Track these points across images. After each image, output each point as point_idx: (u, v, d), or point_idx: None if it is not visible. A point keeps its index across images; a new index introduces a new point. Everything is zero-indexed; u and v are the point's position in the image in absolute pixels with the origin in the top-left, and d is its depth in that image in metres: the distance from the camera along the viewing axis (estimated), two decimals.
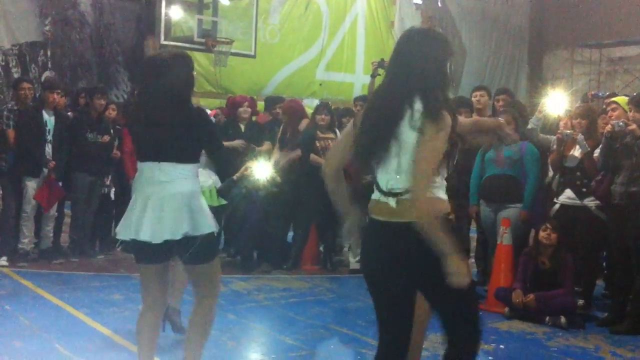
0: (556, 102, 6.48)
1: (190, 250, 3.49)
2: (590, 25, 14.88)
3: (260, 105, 8.78)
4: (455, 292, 2.65)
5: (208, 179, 7.86)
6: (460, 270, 2.63)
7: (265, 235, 7.55)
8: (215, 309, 3.78)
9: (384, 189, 2.77)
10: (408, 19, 14.76)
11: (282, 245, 7.74)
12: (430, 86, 2.70)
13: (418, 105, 2.66)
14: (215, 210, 7.30)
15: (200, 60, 11.41)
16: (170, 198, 3.48)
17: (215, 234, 3.63)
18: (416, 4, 15.01)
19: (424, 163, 2.64)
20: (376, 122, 2.75)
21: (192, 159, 3.61)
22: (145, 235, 3.49)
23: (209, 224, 3.54)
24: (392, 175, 2.74)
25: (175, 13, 10.92)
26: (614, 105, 6.06)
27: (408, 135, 2.67)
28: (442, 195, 2.81)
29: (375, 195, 2.83)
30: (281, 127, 7.75)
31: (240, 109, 7.82)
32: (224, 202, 7.63)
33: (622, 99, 6.19)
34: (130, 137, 7.78)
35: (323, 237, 8.00)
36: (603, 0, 14.81)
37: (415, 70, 2.71)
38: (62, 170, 7.46)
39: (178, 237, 3.46)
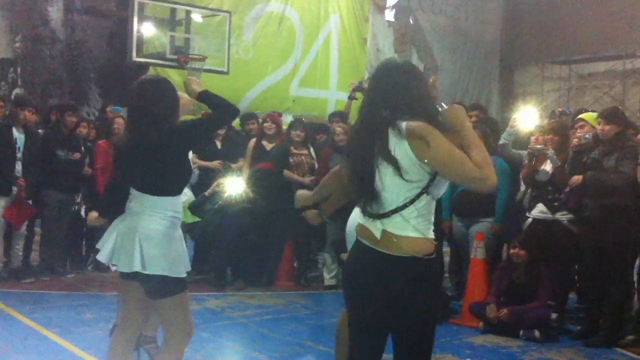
0: (527, 118, 6.55)
1: (146, 285, 3.41)
2: (560, 41, 15.11)
3: (236, 122, 8.76)
4: (415, 340, 2.74)
5: (183, 195, 7.78)
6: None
7: (239, 251, 7.50)
8: (182, 351, 3.52)
9: (370, 211, 2.75)
10: (381, 35, 14.88)
11: (256, 261, 7.69)
12: (416, 112, 2.70)
13: (403, 125, 2.66)
14: (188, 227, 7.30)
15: (173, 77, 11.29)
16: (132, 231, 3.37)
17: (170, 276, 3.35)
18: (389, 21, 15.14)
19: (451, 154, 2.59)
20: (361, 149, 2.76)
21: (169, 191, 3.44)
22: (102, 257, 3.48)
23: (159, 266, 3.32)
24: (379, 195, 2.71)
25: (148, 30, 10.87)
26: (581, 123, 6.16)
27: (399, 151, 2.65)
28: (430, 234, 2.74)
29: (361, 219, 2.83)
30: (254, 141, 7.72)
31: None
32: (197, 218, 7.62)
33: (589, 116, 6.29)
34: (102, 155, 7.80)
35: (298, 253, 7.98)
36: (573, 17, 15.06)
37: (396, 101, 2.73)
38: (33, 188, 7.36)
39: (127, 270, 3.36)
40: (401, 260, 2.67)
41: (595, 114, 6.14)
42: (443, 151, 2.60)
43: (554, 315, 6.02)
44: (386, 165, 2.68)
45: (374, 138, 2.71)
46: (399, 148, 2.65)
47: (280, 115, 8.95)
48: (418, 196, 2.67)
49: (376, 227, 2.73)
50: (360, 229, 2.83)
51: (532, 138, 6.46)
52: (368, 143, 2.73)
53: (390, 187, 2.69)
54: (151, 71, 11.33)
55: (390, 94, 2.75)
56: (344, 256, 4.38)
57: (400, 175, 2.65)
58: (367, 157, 2.72)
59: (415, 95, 2.75)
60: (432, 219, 2.76)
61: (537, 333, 5.68)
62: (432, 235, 2.75)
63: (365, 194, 2.75)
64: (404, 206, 2.67)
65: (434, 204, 2.76)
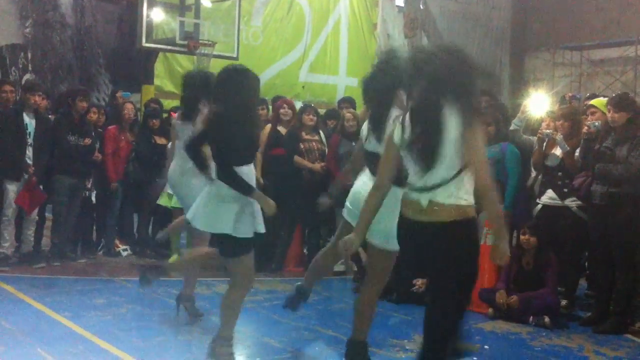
0: (538, 104, 6.51)
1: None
2: (571, 27, 14.99)
3: None
4: (445, 291, 3.26)
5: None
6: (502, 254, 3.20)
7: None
8: (237, 299, 4.49)
9: (418, 185, 3.19)
10: (390, 20, 14.80)
11: (266, 247, 7.70)
12: (460, 93, 3.13)
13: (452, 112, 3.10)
14: None
15: (183, 63, 11.36)
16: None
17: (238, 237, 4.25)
18: (399, 6, 15.05)
19: (478, 149, 3.11)
20: (425, 127, 3.15)
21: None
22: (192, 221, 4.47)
23: (226, 226, 4.21)
24: (431, 170, 3.13)
25: (157, 15, 10.84)
26: (592, 109, 6.12)
27: (453, 132, 3.09)
28: (472, 200, 3.24)
29: (405, 196, 3.29)
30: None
31: None
32: None
33: (600, 101, 6.23)
34: (112, 140, 7.81)
35: (307, 238, 7.99)
36: (583, 2, 14.93)
37: (442, 79, 3.13)
38: (43, 174, 7.40)
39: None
40: (445, 225, 3.15)
41: (605, 100, 6.09)
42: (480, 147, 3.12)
43: (563, 302, 6.02)
44: (445, 142, 3.09)
45: (436, 118, 3.11)
46: (456, 128, 3.09)
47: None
48: (464, 169, 3.12)
49: (424, 198, 3.17)
50: (405, 204, 3.29)
51: (543, 124, 6.43)
52: (431, 123, 3.12)
53: (446, 161, 3.11)
54: (160, 57, 11.36)
55: (449, 78, 3.12)
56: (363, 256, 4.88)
57: (456, 152, 3.09)
58: (430, 135, 3.11)
59: (468, 80, 3.16)
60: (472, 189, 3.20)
61: (546, 319, 5.68)
62: (472, 201, 3.21)
63: (425, 169, 3.14)
64: (453, 178, 3.13)
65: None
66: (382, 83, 4.01)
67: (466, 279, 3.30)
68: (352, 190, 4.30)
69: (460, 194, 3.15)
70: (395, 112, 3.86)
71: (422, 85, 3.19)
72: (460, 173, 3.13)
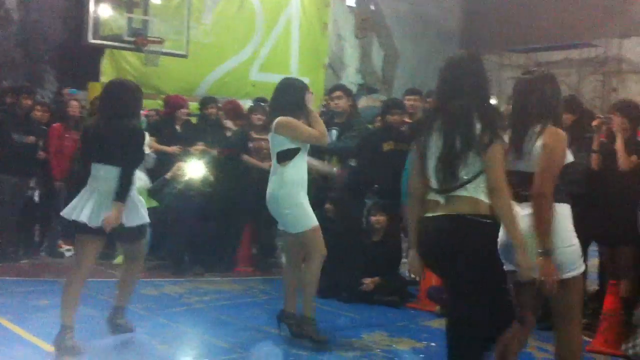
0: None
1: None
2: (519, 30, 15.28)
3: (194, 105, 8.67)
4: (468, 290, 3.21)
5: (138, 180, 7.69)
6: (526, 265, 3.18)
7: (197, 236, 7.44)
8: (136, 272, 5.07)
9: (439, 188, 3.29)
10: (342, 20, 14.85)
11: (215, 247, 7.64)
12: (483, 103, 3.30)
13: (477, 121, 3.23)
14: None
15: (131, 60, 11.17)
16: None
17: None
18: (350, 6, 15.11)
19: (497, 163, 3.21)
20: (453, 140, 3.25)
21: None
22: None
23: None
24: (454, 176, 3.23)
25: (105, 11, 10.62)
26: None
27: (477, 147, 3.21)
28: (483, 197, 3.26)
29: (429, 196, 3.36)
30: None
31: (182, 110, 8.01)
32: (155, 203, 7.54)
33: None
34: (57, 138, 7.64)
35: (257, 238, 7.95)
36: (530, 6, 15.23)
37: (471, 90, 3.30)
38: None
39: None
40: (455, 219, 3.21)
41: None
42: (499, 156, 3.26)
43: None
44: (469, 148, 3.20)
45: (459, 125, 3.24)
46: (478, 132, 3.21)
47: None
48: (481, 171, 3.22)
49: (442, 197, 3.28)
50: (424, 204, 3.37)
51: None
52: (455, 131, 3.24)
53: (468, 165, 3.22)
54: (107, 54, 11.14)
55: (469, 84, 3.30)
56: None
57: (478, 156, 3.20)
58: (455, 141, 3.23)
59: (486, 87, 3.39)
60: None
61: None
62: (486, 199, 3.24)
63: (448, 173, 3.24)
64: (471, 180, 3.22)
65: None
66: None
67: (489, 279, 3.21)
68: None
69: (477, 193, 3.23)
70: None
71: (450, 92, 3.34)
72: (479, 175, 3.22)
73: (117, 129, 4.57)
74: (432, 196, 3.34)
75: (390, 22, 15.87)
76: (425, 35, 16.40)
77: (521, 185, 3.45)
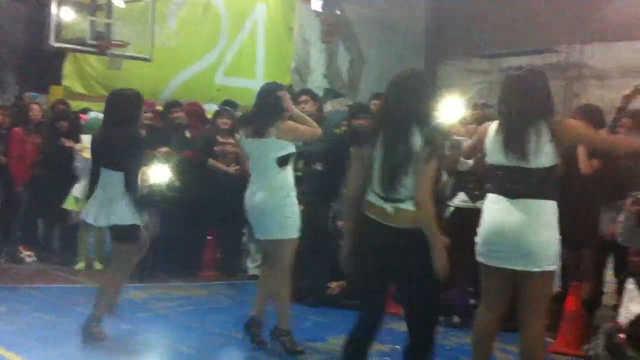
0: (451, 110, 6.64)
1: None
2: (484, 36, 15.45)
3: (160, 109, 8.60)
4: (421, 290, 3.60)
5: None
6: (444, 264, 3.52)
7: (162, 241, 7.35)
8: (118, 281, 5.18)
9: (384, 196, 3.54)
10: (308, 25, 14.85)
11: (180, 251, 7.56)
12: (424, 120, 3.54)
13: (418, 136, 3.49)
14: None
15: (94, 63, 11.03)
16: None
17: None
18: (315, 11, 15.12)
19: (426, 178, 3.48)
20: (394, 153, 3.52)
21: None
22: None
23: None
24: (397, 186, 3.50)
25: (67, 14, 10.48)
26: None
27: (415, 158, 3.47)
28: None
29: (372, 198, 3.59)
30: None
31: (146, 114, 7.83)
32: None
33: None
34: (18, 142, 7.51)
35: (222, 242, 7.89)
36: (496, 12, 15.41)
37: (412, 107, 3.54)
38: None
39: None
40: (408, 233, 3.49)
41: None
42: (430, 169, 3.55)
43: (472, 301, 6.15)
44: (408, 162, 3.47)
45: (401, 141, 3.49)
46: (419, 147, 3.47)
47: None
48: None
49: (390, 206, 3.53)
50: (370, 205, 3.60)
51: (455, 129, 6.56)
52: (396, 145, 3.50)
53: (411, 179, 3.47)
54: (70, 57, 11.00)
55: (411, 102, 3.53)
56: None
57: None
58: (396, 157, 3.50)
59: (428, 104, 3.59)
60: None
61: (456, 319, 5.80)
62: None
63: (391, 185, 3.50)
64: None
65: None
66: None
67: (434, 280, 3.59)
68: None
69: None
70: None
71: (393, 107, 3.60)
72: None
73: (118, 137, 4.92)
74: (379, 202, 3.58)
75: (356, 27, 15.91)
76: (391, 40, 16.47)
77: (513, 181, 3.67)
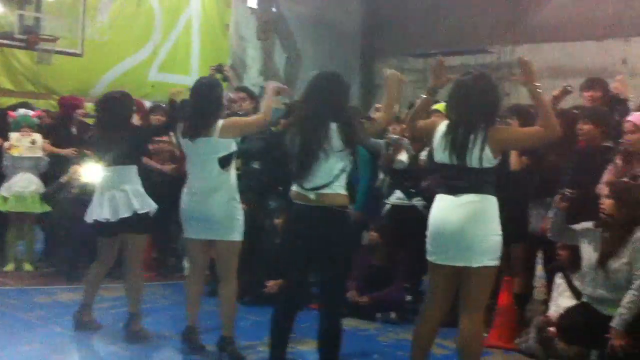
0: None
1: None
2: (418, 35, 15.66)
3: (90, 106, 8.39)
4: (334, 263, 4.00)
5: (30, 184, 7.40)
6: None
7: (94, 242, 7.17)
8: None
9: (307, 187, 3.93)
10: (244, 22, 14.76)
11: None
12: (342, 114, 3.95)
13: (333, 126, 3.90)
14: (37, 218, 6.97)
15: (22, 59, 10.66)
16: None
17: None
18: (251, 8, 15.04)
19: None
20: (308, 142, 3.89)
21: None
22: None
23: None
24: (315, 177, 3.90)
25: None
26: (437, 114, 6.39)
27: (334, 146, 3.90)
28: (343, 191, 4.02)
29: (296, 188, 4.01)
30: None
31: (78, 111, 7.88)
32: (48, 208, 7.24)
33: (442, 106, 6.52)
34: None
35: (157, 242, 7.76)
36: (430, 12, 15.64)
37: (329, 103, 3.94)
38: None
39: None
40: (327, 209, 3.93)
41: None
42: None
43: (408, 297, 6.24)
44: (326, 153, 3.85)
45: (320, 132, 3.86)
46: (336, 139, 3.89)
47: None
48: (341, 173, 3.96)
49: (312, 194, 3.93)
50: (296, 195, 4.02)
51: (390, 128, 6.63)
52: (314, 136, 3.85)
53: (328, 166, 3.89)
54: None
55: (328, 97, 3.93)
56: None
57: (336, 158, 3.89)
58: (313, 147, 3.85)
59: (343, 100, 4.04)
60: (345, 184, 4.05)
61: (393, 315, 5.87)
62: (345, 192, 4.04)
63: (307, 175, 3.89)
64: (331, 182, 3.92)
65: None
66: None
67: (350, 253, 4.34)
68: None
69: (339, 189, 3.98)
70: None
71: (311, 103, 3.96)
72: (340, 175, 3.96)
73: (110, 137, 5.13)
74: (302, 191, 3.98)
75: (291, 25, 15.91)
76: (326, 37, 16.53)
77: (456, 178, 3.81)
